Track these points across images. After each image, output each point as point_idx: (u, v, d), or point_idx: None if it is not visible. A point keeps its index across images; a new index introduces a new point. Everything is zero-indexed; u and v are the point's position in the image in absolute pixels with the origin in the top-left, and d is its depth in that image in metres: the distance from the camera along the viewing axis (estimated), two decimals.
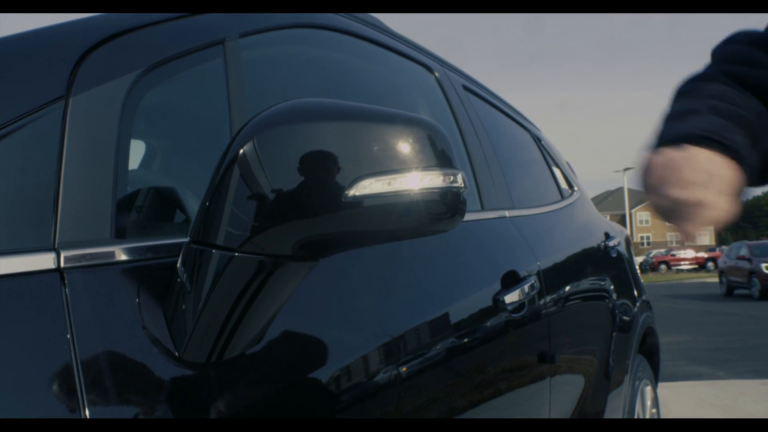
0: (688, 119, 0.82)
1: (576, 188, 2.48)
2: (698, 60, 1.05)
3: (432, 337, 1.10)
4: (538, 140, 2.38)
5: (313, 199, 0.66)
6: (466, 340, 1.19)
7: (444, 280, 1.19)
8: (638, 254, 49.93)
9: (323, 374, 0.85)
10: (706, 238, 55.74)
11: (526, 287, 1.35)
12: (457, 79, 1.82)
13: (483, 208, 1.52)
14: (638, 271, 2.79)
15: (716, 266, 35.61)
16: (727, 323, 10.13)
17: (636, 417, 2.29)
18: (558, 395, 1.52)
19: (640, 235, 64.40)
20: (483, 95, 1.99)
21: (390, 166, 0.69)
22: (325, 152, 0.67)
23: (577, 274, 1.83)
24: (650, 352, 2.73)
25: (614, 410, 2.03)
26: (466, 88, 1.85)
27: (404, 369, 1.02)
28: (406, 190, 0.69)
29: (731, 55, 0.92)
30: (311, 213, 0.66)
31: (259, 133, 0.67)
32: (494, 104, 2.08)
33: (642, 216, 64.51)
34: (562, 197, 2.24)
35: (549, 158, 2.38)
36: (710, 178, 0.75)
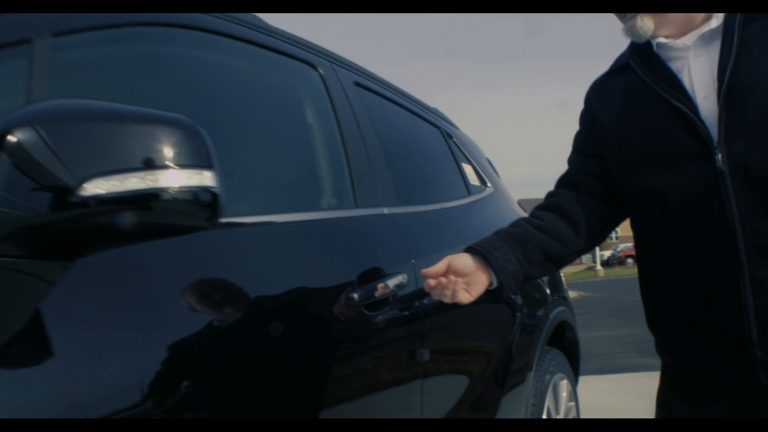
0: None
1: (489, 185, 2.49)
2: None
3: (271, 337, 1.08)
4: (448, 137, 2.38)
5: (44, 198, 0.63)
6: (312, 340, 1.17)
7: (292, 277, 1.18)
8: (606, 248, 50.63)
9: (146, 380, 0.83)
10: None
11: (390, 284, 1.34)
12: (348, 75, 1.81)
13: (357, 205, 1.51)
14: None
15: None
16: None
17: (546, 412, 2.31)
18: (433, 397, 1.51)
19: None
20: (381, 92, 1.98)
21: (139, 164, 0.67)
22: (58, 153, 0.64)
23: None
24: (569, 346, 2.76)
25: (513, 410, 2.04)
26: (359, 84, 1.84)
27: (236, 372, 1.00)
28: (155, 189, 0.67)
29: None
30: (42, 212, 0.63)
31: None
32: (395, 101, 2.07)
33: None
34: (470, 194, 2.25)
35: (459, 155, 2.38)
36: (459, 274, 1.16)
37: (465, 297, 1.15)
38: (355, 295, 1.24)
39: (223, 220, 1.15)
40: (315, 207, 1.50)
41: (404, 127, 2.07)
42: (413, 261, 1.51)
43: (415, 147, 2.12)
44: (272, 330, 1.09)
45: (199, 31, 1.37)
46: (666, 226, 1.14)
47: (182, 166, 0.68)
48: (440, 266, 1.17)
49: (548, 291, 2.51)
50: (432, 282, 1.15)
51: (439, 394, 1.55)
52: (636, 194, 1.20)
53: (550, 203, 1.28)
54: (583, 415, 3.80)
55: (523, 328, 2.16)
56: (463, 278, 1.16)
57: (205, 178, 0.69)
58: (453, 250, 1.74)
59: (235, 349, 1.01)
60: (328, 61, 1.75)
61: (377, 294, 1.29)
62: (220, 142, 1.70)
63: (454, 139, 2.43)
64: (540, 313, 2.37)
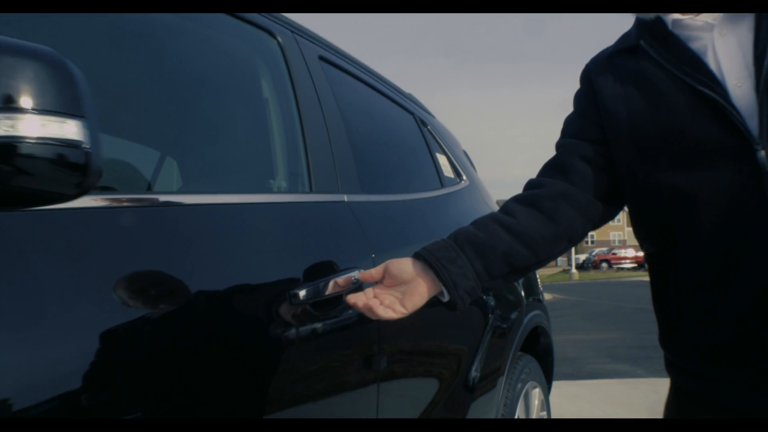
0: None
1: (464, 177, 2.33)
2: None
3: (194, 337, 0.90)
4: (422, 124, 2.21)
5: None
6: (245, 342, 1.00)
7: (225, 267, 1.00)
8: (582, 252, 51.01)
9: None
10: None
11: (340, 280, 1.17)
12: (312, 48, 1.63)
13: (312, 190, 1.33)
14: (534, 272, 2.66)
15: None
16: (656, 321, 10.30)
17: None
18: (391, 401, 1.35)
19: None
20: (349, 69, 1.80)
21: None
22: None
23: None
24: (543, 352, 2.61)
25: (482, 415, 1.88)
26: (324, 59, 1.66)
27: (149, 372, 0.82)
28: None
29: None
30: None
31: None
32: (365, 81, 1.89)
33: None
34: (443, 186, 2.08)
35: (433, 144, 2.22)
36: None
37: (389, 313, 0.99)
38: (301, 292, 1.06)
39: (161, 198, 0.97)
40: (263, 189, 1.32)
41: (374, 110, 1.89)
42: (373, 256, 1.34)
43: (385, 132, 1.95)
44: (198, 328, 0.91)
45: None
46: (693, 233, 0.95)
47: (39, 111, 0.50)
48: (378, 270, 1.03)
49: (523, 293, 2.36)
50: (351, 299, 1.01)
51: (400, 398, 1.39)
52: (650, 193, 1.01)
53: (530, 196, 1.08)
54: None
55: (494, 332, 2.01)
56: (397, 287, 1.01)
57: (68, 129, 0.51)
58: (420, 245, 1.58)
59: (142, 351, 0.83)
60: (290, 30, 1.57)
61: (327, 292, 1.11)
62: (162, 112, 1.52)
63: (429, 127, 2.27)
64: (513, 316, 2.22)
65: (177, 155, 1.65)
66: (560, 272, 41.02)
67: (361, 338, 1.25)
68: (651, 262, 1.07)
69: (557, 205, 1.06)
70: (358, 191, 1.48)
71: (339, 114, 1.56)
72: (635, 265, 39.53)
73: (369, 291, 1.02)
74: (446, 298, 1.03)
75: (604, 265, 40.75)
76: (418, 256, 1.03)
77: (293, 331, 1.08)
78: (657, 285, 1.06)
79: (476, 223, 1.07)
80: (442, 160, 2.21)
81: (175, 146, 1.60)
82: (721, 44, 0.94)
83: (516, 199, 1.10)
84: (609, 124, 1.06)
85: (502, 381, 2.06)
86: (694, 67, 0.95)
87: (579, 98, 1.14)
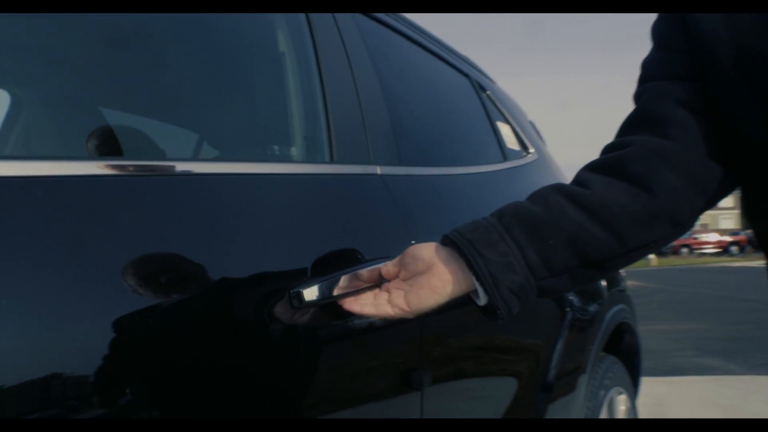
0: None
1: (531, 150, 1.99)
2: None
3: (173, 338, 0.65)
4: (480, 89, 1.89)
5: None
6: (246, 344, 0.73)
7: (212, 259, 0.74)
8: None
9: None
10: (731, 221, 54.24)
11: (364, 273, 0.89)
12: None
13: (333, 160, 1.05)
14: None
15: (740, 250, 34.71)
16: (746, 310, 9.53)
17: None
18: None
19: None
20: (393, 25, 1.51)
21: None
22: None
23: None
24: (628, 353, 2.25)
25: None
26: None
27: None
28: None
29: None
30: None
31: None
32: (412, 38, 1.59)
33: None
34: (505, 159, 1.76)
35: (494, 111, 1.89)
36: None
37: (384, 310, 0.75)
38: (306, 291, 0.78)
39: (137, 162, 0.74)
40: (268, 157, 1.06)
41: (421, 70, 1.59)
42: (413, 241, 1.05)
43: (435, 95, 1.65)
44: (189, 324, 0.66)
45: None
46: None
47: None
48: (396, 260, 0.78)
49: (604, 283, 2.01)
50: (349, 305, 0.79)
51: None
52: None
53: (610, 160, 0.75)
54: None
55: (573, 327, 1.68)
56: (411, 280, 0.75)
57: None
58: None
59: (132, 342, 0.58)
60: None
61: (337, 291, 0.83)
62: (158, 68, 1.29)
63: (489, 93, 1.94)
64: (593, 309, 1.88)
65: (182, 118, 1.42)
66: None
67: (396, 341, 0.97)
68: None
69: (652, 168, 0.72)
70: (396, 162, 1.19)
71: (374, 72, 1.27)
72: (719, 250, 37.43)
73: (374, 291, 0.79)
74: (482, 300, 0.73)
75: (685, 250, 38.75)
76: (446, 240, 0.74)
77: (295, 335, 0.81)
78: None
79: (532, 196, 0.76)
80: (504, 129, 1.88)
81: (181, 108, 1.36)
82: None
83: (590, 166, 0.77)
84: (704, 51, 0.72)
85: (583, 381, 1.74)
86: None
87: (660, 25, 0.81)
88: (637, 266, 30.11)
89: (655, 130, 0.74)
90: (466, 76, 1.86)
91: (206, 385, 0.70)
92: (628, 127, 0.79)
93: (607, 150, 0.79)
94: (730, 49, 0.69)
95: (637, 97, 0.80)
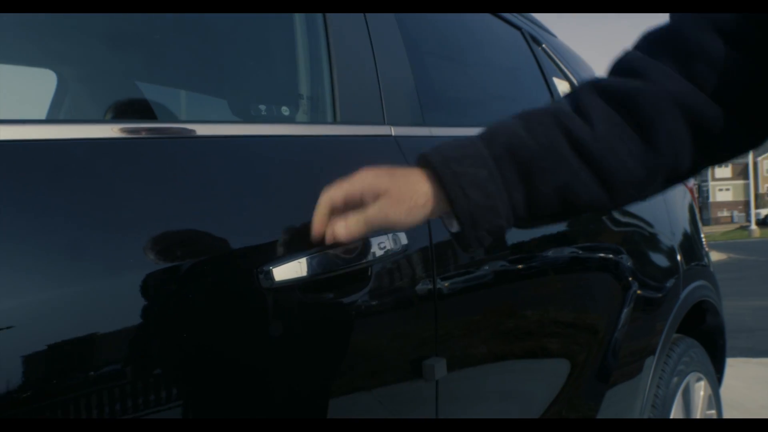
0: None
1: None
2: None
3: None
4: (534, 42, 1.70)
5: None
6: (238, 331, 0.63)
7: (210, 227, 0.64)
8: (764, 206, 45.33)
9: None
10: None
11: (373, 248, 0.76)
12: None
13: (336, 121, 0.93)
14: (697, 229, 2.05)
15: None
16: None
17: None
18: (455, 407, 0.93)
19: (766, 185, 58.42)
20: None
21: None
22: None
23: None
24: (710, 334, 2.02)
25: (622, 411, 1.41)
26: None
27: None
28: None
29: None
30: None
31: None
32: None
33: None
34: None
35: (549, 66, 1.70)
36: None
37: (341, 230, 0.64)
38: (273, 270, 0.67)
39: (134, 125, 0.67)
40: (263, 118, 0.95)
41: (458, 20, 1.43)
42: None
43: (475, 50, 1.48)
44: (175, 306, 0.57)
45: None
46: None
47: None
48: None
49: (680, 257, 1.79)
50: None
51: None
52: None
53: (624, 91, 0.63)
54: (732, 414, 3.00)
55: (637, 304, 1.50)
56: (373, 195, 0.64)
57: None
58: None
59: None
60: None
61: (330, 240, 0.70)
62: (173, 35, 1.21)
63: (544, 46, 1.75)
64: (667, 285, 1.67)
65: (183, 76, 1.34)
66: (737, 229, 36.88)
67: (410, 338, 0.84)
68: None
69: (665, 116, 0.62)
70: (418, 122, 1.05)
71: (395, 22, 1.13)
72: None
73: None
74: (455, 228, 0.65)
75: None
76: (424, 161, 0.65)
77: (296, 321, 0.70)
78: None
79: (530, 119, 0.65)
80: (562, 86, 1.69)
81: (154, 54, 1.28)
82: None
83: (597, 88, 0.65)
84: None
85: (650, 365, 1.55)
86: None
87: None
88: (736, 238, 28.21)
89: (683, 63, 0.62)
90: (518, 28, 1.67)
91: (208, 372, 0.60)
92: (656, 43, 0.66)
93: (621, 70, 0.66)
94: None
95: (673, 15, 0.66)
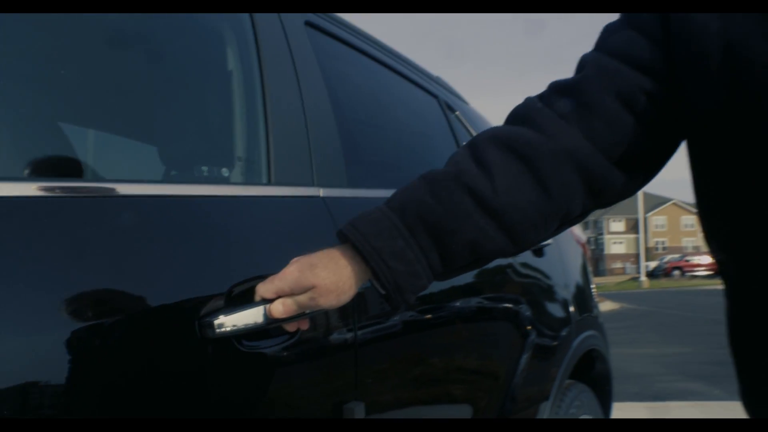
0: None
1: None
2: None
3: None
4: (449, 109, 1.87)
5: None
6: (166, 378, 0.69)
7: (136, 285, 0.70)
8: (652, 259, 48.78)
9: None
10: None
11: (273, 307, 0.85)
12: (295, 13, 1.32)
13: (271, 182, 1.02)
14: (589, 283, 2.26)
15: None
16: None
17: None
18: None
19: (655, 239, 62.94)
20: (351, 41, 1.49)
21: None
22: None
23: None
24: (599, 380, 2.21)
25: None
26: (312, 25, 1.35)
27: None
28: None
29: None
30: None
31: None
32: (374, 56, 1.57)
33: (658, 220, 63.11)
34: None
35: (461, 132, 1.87)
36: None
37: (277, 311, 0.72)
38: (214, 321, 0.74)
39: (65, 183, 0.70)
40: (202, 179, 1.02)
41: (382, 90, 1.57)
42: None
43: (396, 116, 1.62)
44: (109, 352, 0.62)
45: None
46: None
47: None
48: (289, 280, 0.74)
49: (572, 308, 1.97)
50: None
51: None
52: (743, 159, 0.64)
53: (521, 144, 0.71)
54: None
55: (535, 352, 1.64)
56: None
57: None
58: None
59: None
60: None
61: (270, 317, 0.78)
62: (106, 83, 1.26)
63: (458, 113, 1.92)
64: (561, 334, 1.84)
65: (135, 132, 1.38)
66: (629, 280, 39.33)
67: (330, 368, 0.93)
68: (729, 277, 0.71)
69: (560, 169, 0.70)
70: (343, 184, 1.16)
71: (325, 91, 1.25)
72: (710, 272, 37.51)
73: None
74: (381, 290, 0.72)
75: (677, 272, 38.86)
76: (344, 238, 0.72)
77: (219, 369, 0.77)
78: (737, 312, 0.71)
79: (434, 184, 0.72)
80: None
81: (123, 121, 1.33)
82: None
83: (497, 140, 0.73)
84: (687, 42, 0.67)
85: (545, 409, 1.70)
86: None
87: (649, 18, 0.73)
88: (629, 288, 30.09)
89: (580, 115, 0.71)
90: (435, 96, 1.84)
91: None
92: (558, 90, 0.74)
93: (518, 118, 0.74)
94: (718, 43, 0.64)
95: (584, 63, 0.75)
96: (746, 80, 0.62)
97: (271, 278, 0.73)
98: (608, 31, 0.76)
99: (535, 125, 0.72)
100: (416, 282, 0.71)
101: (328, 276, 0.69)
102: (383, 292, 0.72)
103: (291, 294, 0.71)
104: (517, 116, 0.75)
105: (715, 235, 0.71)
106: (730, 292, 0.73)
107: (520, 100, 0.78)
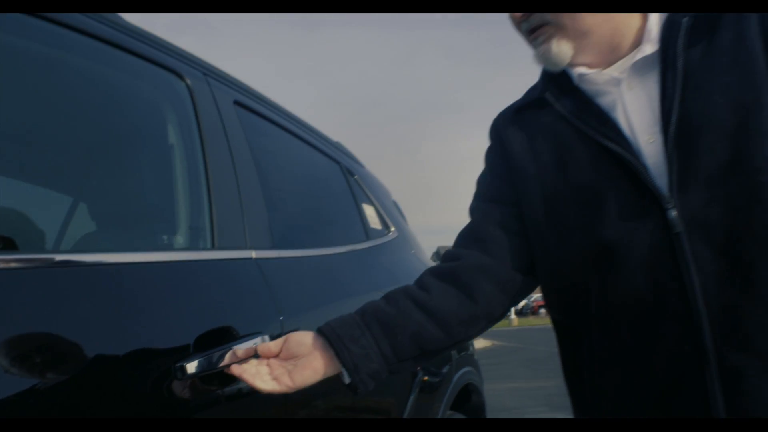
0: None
1: (392, 229, 2.25)
2: None
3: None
4: (348, 173, 2.14)
5: None
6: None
7: (106, 338, 0.87)
8: None
9: None
10: None
11: (239, 351, 1.05)
12: (226, 92, 1.53)
13: (215, 246, 1.22)
14: None
15: None
16: None
17: None
18: None
19: None
20: (269, 116, 1.71)
21: None
22: None
23: None
24: (474, 411, 2.52)
25: None
26: (240, 104, 1.57)
27: None
28: None
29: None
30: None
31: None
32: (288, 129, 1.80)
33: None
34: (368, 238, 1.99)
35: (360, 194, 2.14)
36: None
37: (271, 385, 0.93)
38: (187, 365, 0.93)
39: (32, 255, 0.85)
40: (155, 246, 1.20)
41: (295, 158, 1.80)
42: (282, 318, 1.23)
43: (306, 182, 1.86)
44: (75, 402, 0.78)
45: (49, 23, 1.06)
46: (605, 301, 0.87)
47: None
48: (277, 343, 0.95)
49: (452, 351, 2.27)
50: (235, 369, 0.94)
51: None
52: (560, 257, 0.93)
53: (446, 269, 1.00)
54: None
55: (422, 389, 1.90)
56: (292, 360, 0.94)
57: None
58: (339, 303, 1.47)
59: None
60: (202, 72, 1.47)
61: (222, 364, 0.99)
62: (59, 157, 1.39)
63: (356, 177, 2.19)
64: (443, 371, 2.12)
65: (80, 199, 1.51)
66: None
67: (266, 404, 1.13)
68: (560, 332, 1.00)
69: (474, 280, 0.98)
70: (269, 246, 1.37)
71: (252, 163, 1.46)
72: None
73: (254, 361, 0.95)
74: (347, 380, 0.95)
75: (543, 310, 41.45)
76: (320, 332, 0.96)
77: (181, 408, 0.95)
78: (568, 358, 0.99)
79: (388, 297, 0.99)
80: (368, 211, 2.12)
81: (72, 191, 1.46)
82: (631, 99, 0.89)
83: (432, 271, 1.03)
84: (519, 181, 0.99)
85: None
86: (600, 122, 0.90)
87: (489, 155, 1.08)
88: (499, 326, 31.71)
89: (481, 246, 1.01)
90: (337, 162, 2.09)
91: None
92: (462, 239, 1.05)
93: (446, 258, 1.05)
94: (535, 180, 0.96)
95: (472, 211, 1.07)
96: (551, 207, 0.95)
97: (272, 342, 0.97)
98: (480, 181, 1.09)
99: (453, 257, 1.02)
100: (369, 364, 0.93)
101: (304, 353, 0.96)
102: (347, 377, 0.94)
103: (276, 356, 0.95)
104: (444, 257, 1.05)
105: (552, 303, 1.01)
106: (561, 344, 1.01)
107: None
